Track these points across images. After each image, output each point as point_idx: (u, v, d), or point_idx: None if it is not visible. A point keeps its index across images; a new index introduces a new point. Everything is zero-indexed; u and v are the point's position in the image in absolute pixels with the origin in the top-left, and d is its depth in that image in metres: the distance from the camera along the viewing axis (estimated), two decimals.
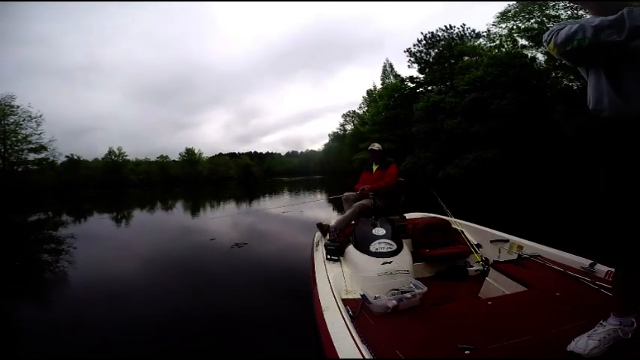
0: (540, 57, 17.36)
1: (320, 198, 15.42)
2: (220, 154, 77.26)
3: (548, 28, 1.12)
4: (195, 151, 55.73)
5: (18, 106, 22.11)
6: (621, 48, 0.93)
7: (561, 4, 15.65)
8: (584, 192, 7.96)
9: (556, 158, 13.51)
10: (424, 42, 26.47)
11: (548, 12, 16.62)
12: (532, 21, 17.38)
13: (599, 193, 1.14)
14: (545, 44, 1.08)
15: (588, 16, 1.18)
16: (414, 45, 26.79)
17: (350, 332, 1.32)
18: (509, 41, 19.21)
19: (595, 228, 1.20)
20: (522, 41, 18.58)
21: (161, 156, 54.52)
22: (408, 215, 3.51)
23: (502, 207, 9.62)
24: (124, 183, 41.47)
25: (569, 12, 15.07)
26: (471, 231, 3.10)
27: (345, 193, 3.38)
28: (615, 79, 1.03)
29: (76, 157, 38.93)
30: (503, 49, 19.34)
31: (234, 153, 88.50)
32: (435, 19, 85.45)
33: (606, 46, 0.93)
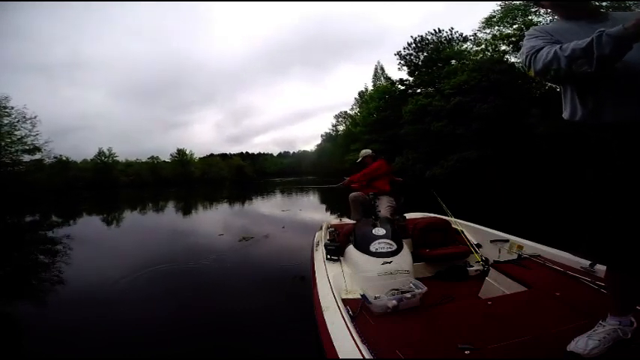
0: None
1: (318, 196, 15.47)
2: (212, 155, 77.61)
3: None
4: (187, 152, 55.80)
5: (12, 107, 22.07)
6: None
7: (542, 10, 15.86)
8: (564, 190, 8.04)
9: (533, 158, 14.13)
10: (414, 45, 26.96)
11: (530, 18, 16.86)
12: (515, 27, 17.71)
13: (587, 191, 1.17)
14: (525, 68, 1.13)
15: (557, 18, 1.23)
16: (404, 48, 27.45)
17: (350, 332, 1.32)
18: (492, 47, 19.56)
19: (578, 224, 1.24)
20: (504, 47, 18.96)
21: (152, 157, 54.44)
22: (408, 215, 3.51)
23: (489, 205, 9.70)
24: (114, 184, 41.21)
25: (549, 18, 15.19)
26: (470, 231, 3.10)
27: (352, 194, 3.40)
28: (584, 93, 1.09)
29: (64, 158, 38.23)
30: (488, 54, 19.69)
31: (226, 154, 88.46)
32: (437, 18, 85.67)
33: (579, 75, 0.99)
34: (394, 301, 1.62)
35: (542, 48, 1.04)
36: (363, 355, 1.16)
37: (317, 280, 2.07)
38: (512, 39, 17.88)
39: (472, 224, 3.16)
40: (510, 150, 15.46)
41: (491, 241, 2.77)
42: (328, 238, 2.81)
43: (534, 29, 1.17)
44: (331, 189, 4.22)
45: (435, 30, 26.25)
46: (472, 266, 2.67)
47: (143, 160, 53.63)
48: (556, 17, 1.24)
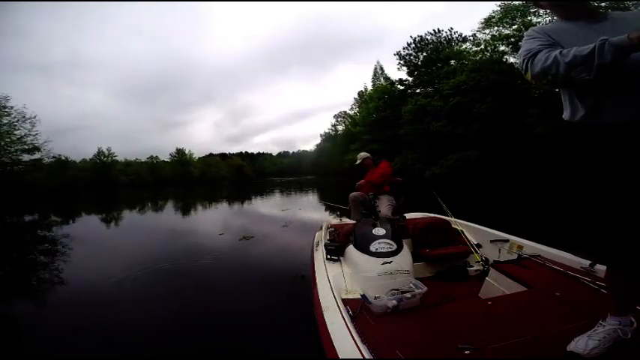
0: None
1: (319, 198, 15.48)
2: (211, 155, 78.09)
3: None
4: (186, 152, 55.92)
5: (12, 107, 22.07)
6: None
7: (541, 10, 15.89)
8: (564, 190, 8.07)
9: (533, 158, 14.19)
10: (413, 45, 27.05)
11: (529, 18, 16.90)
12: (514, 27, 17.76)
13: (587, 192, 1.17)
14: (521, 70, 1.13)
15: (555, 18, 1.23)
16: (404, 48, 27.52)
17: (350, 332, 1.32)
18: (491, 47, 19.62)
19: (578, 224, 1.24)
20: (503, 47, 19.02)
21: (151, 156, 54.60)
22: (408, 215, 3.51)
23: (489, 205, 9.72)
24: (114, 184, 41.21)
25: (548, 18, 15.20)
26: (470, 231, 3.10)
27: (352, 194, 3.42)
28: (584, 94, 1.09)
29: (63, 158, 38.05)
30: (487, 54, 19.76)
31: (225, 153, 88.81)
32: (437, 18, 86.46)
33: (577, 82, 1.00)
34: (394, 301, 1.62)
35: (539, 51, 1.04)
36: (363, 355, 1.15)
37: (317, 280, 2.07)
38: (512, 39, 17.94)
39: (472, 224, 3.16)
40: (510, 150, 15.52)
41: (491, 241, 2.77)
42: (328, 238, 2.81)
43: (533, 30, 1.16)
44: (343, 210, 4.08)
45: (434, 30, 26.36)
46: (472, 266, 2.67)
47: (142, 160, 53.86)
48: (555, 17, 1.24)
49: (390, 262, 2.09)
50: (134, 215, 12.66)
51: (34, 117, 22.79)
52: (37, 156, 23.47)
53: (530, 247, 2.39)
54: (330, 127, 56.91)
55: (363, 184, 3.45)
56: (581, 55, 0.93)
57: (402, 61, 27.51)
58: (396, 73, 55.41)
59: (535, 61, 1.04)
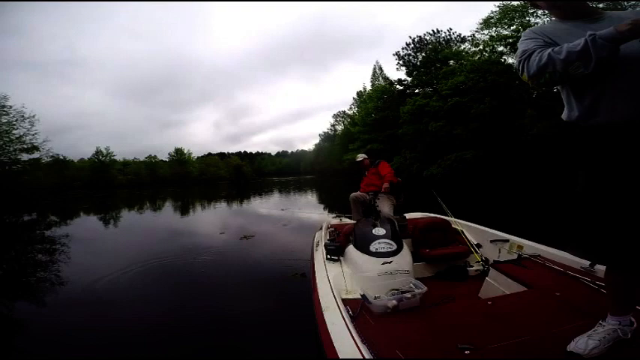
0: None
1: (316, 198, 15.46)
2: (209, 154, 78.12)
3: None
4: (185, 151, 56.00)
5: (11, 106, 22.00)
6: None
7: (540, 11, 15.89)
8: (564, 190, 8.07)
9: (532, 158, 14.27)
10: (412, 46, 27.09)
11: (528, 19, 16.97)
12: (512, 28, 17.83)
13: (577, 193, 1.17)
14: (518, 73, 1.13)
15: (553, 18, 1.24)
16: (403, 48, 27.73)
17: (350, 332, 1.32)
18: (490, 48, 19.67)
19: (568, 224, 1.24)
20: (501, 48, 19.06)
21: (149, 156, 54.73)
22: (408, 215, 3.52)
23: (488, 204, 9.74)
24: (111, 184, 41.29)
25: (546, 19, 15.24)
26: (470, 231, 3.10)
27: (352, 194, 3.45)
28: (582, 94, 1.10)
29: (61, 158, 37.01)
30: (486, 54, 19.80)
31: (224, 153, 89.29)
32: (437, 17, 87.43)
33: (574, 77, 1.01)
34: (394, 301, 1.62)
35: (534, 52, 1.05)
36: (363, 355, 1.15)
37: (317, 280, 2.07)
38: (510, 40, 17.98)
39: (472, 224, 3.17)
40: (509, 150, 15.56)
41: (491, 241, 2.77)
42: (328, 238, 2.81)
43: (530, 30, 1.16)
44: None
45: (433, 30, 26.48)
46: (472, 266, 2.67)
47: (141, 160, 53.89)
48: (553, 18, 1.24)
49: (390, 262, 2.09)
50: (133, 215, 12.64)
51: (33, 116, 22.71)
52: (35, 155, 23.40)
53: (530, 247, 2.40)
54: (329, 126, 56.99)
55: (386, 187, 3.29)
56: (575, 51, 0.94)
57: (400, 61, 27.65)
58: (395, 73, 55.63)
59: (531, 62, 1.04)
